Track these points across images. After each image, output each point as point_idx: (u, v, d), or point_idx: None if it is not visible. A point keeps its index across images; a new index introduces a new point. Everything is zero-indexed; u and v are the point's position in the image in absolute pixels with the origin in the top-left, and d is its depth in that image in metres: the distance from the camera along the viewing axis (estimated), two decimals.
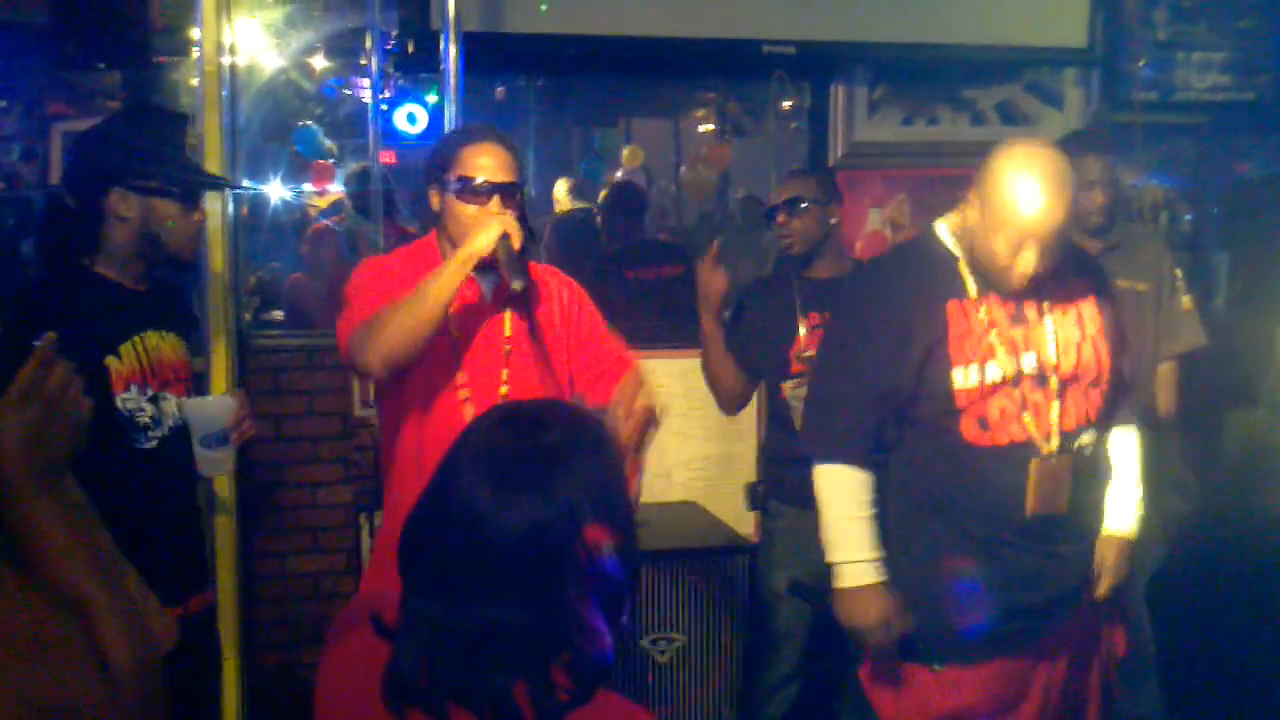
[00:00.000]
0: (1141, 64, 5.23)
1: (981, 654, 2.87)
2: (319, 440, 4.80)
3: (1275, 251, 5.01)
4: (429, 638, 1.51)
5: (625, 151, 8.72)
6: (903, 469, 2.93)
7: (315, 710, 1.67)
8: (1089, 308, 2.91)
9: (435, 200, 2.91)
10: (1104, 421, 2.94)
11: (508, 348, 2.90)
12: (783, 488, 3.98)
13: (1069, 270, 2.87)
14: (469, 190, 2.83)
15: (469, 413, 2.80)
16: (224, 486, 4.23)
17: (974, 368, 2.79)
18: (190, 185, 2.81)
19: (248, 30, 4.97)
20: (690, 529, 4.47)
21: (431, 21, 4.02)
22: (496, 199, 2.82)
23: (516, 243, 2.72)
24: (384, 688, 1.52)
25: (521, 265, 2.77)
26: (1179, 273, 4.09)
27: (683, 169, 9.05)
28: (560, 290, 3.05)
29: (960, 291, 2.84)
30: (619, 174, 7.77)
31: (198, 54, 4.17)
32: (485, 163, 2.84)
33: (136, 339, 2.73)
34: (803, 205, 3.87)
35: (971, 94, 5.09)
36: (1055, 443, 2.81)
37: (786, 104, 5.88)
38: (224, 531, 4.25)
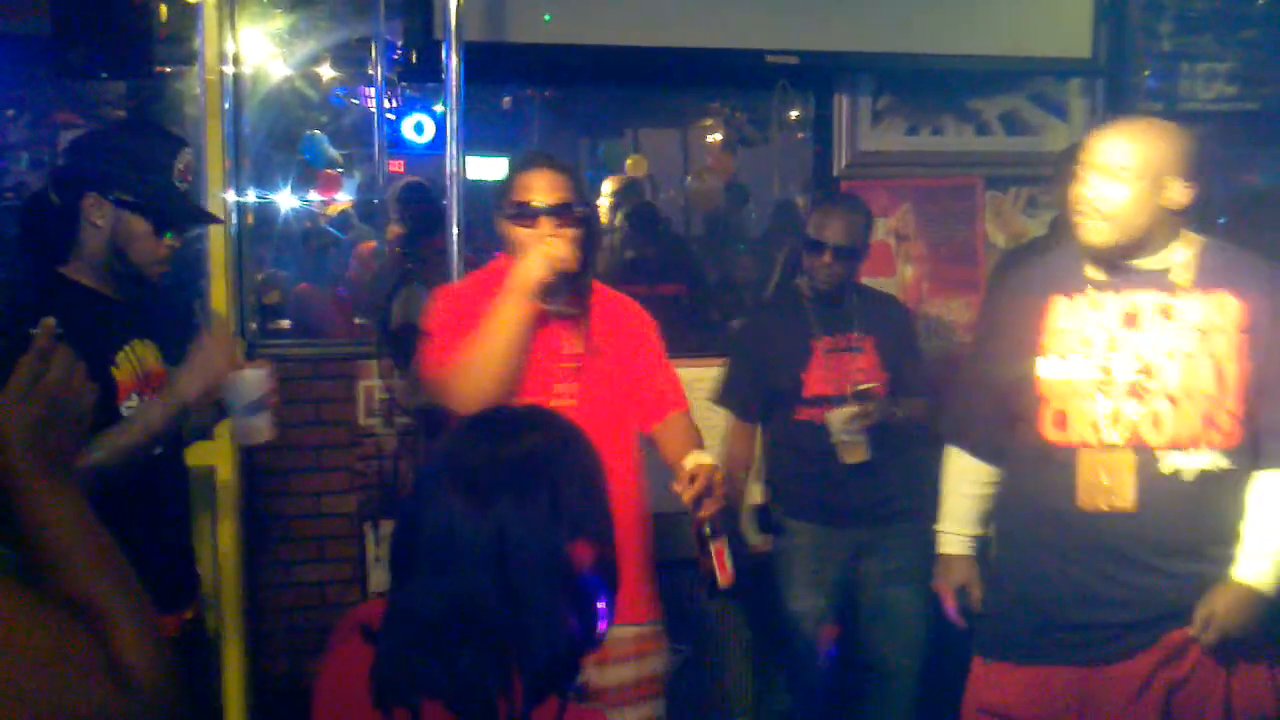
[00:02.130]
0: (1146, 74, 5.23)
1: (1024, 657, 2.93)
2: (324, 449, 4.80)
3: None
4: (406, 634, 1.55)
5: (629, 161, 8.70)
6: (1009, 468, 3.06)
7: (313, 716, 1.68)
8: (1227, 323, 2.76)
9: (499, 228, 3.02)
10: (1233, 453, 2.76)
11: (572, 364, 2.99)
12: (802, 506, 3.98)
13: (1219, 278, 2.79)
14: (521, 214, 2.94)
15: None
16: (228, 495, 4.23)
17: (1058, 360, 2.83)
18: (164, 209, 2.72)
19: (253, 39, 4.99)
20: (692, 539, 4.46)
21: (435, 31, 4.02)
22: (546, 220, 2.91)
23: (567, 261, 2.86)
24: (371, 686, 1.55)
25: (561, 289, 2.89)
26: None
27: (689, 179, 9.05)
28: (628, 316, 3.14)
29: (1073, 285, 2.86)
30: (611, 183, 7.70)
31: (200, 64, 4.19)
32: (535, 185, 2.94)
33: (127, 348, 2.72)
34: (846, 248, 3.88)
35: (976, 104, 5.09)
36: (1130, 452, 2.75)
37: (793, 114, 5.87)
38: (229, 540, 4.25)
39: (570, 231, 2.92)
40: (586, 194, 3.08)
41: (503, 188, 3.03)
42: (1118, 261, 2.82)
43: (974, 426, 3.11)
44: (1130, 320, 2.80)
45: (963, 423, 3.16)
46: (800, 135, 5.77)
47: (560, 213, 2.93)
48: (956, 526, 3.16)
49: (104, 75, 4.18)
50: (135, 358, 2.74)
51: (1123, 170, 2.74)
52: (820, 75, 4.92)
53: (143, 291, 2.80)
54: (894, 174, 5.04)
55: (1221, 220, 5.53)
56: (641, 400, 3.09)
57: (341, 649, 1.69)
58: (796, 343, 3.91)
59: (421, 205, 5.99)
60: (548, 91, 8.42)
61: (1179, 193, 2.76)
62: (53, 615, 1.34)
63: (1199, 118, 5.34)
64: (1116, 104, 5.18)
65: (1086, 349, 2.80)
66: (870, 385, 3.81)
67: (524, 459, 1.58)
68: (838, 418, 3.80)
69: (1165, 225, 2.80)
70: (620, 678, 3.01)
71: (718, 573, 2.84)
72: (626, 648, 3.00)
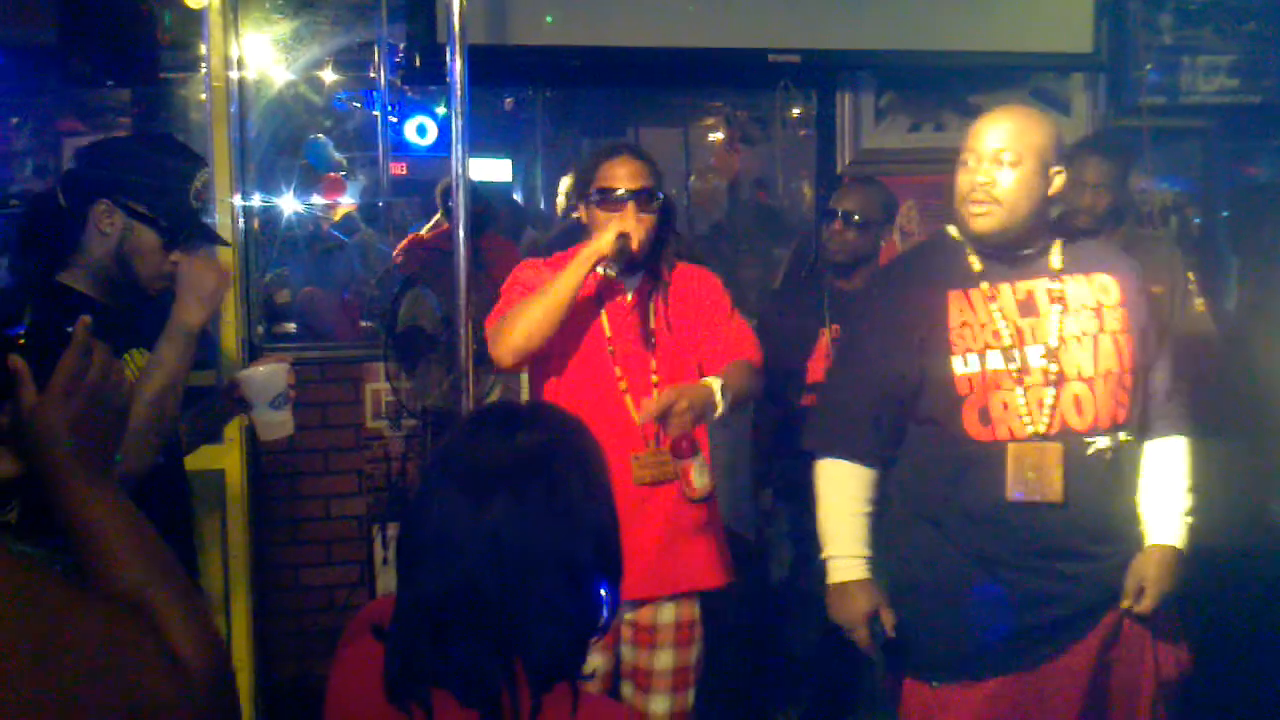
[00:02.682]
0: (1148, 68, 5.23)
1: (976, 673, 2.80)
2: (332, 452, 4.82)
3: None
4: (411, 628, 1.58)
5: None
6: (904, 471, 2.90)
7: (325, 715, 1.70)
8: (1112, 303, 2.84)
9: (584, 214, 3.22)
10: (1132, 426, 2.84)
11: (652, 340, 3.16)
12: (798, 493, 3.97)
13: (1090, 263, 2.87)
14: (608, 200, 3.11)
15: (629, 402, 3.11)
16: (237, 498, 4.25)
17: (974, 356, 2.77)
18: (176, 226, 2.65)
19: (256, 45, 5.00)
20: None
21: (438, 35, 4.03)
22: (632, 205, 3.08)
23: (635, 243, 3.03)
24: (384, 680, 1.58)
25: (632, 259, 3.06)
26: (1192, 276, 4.09)
27: (692, 178, 9.06)
28: (698, 286, 3.28)
29: (965, 280, 2.83)
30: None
31: (205, 70, 4.21)
32: (619, 173, 3.12)
33: (127, 357, 2.67)
34: (858, 220, 3.89)
35: (978, 100, 5.08)
36: (1056, 441, 2.73)
37: (795, 111, 5.88)
38: (238, 543, 4.26)
39: (649, 217, 3.10)
40: (663, 183, 3.22)
41: (585, 174, 3.21)
42: (1004, 252, 2.83)
43: (855, 431, 2.88)
44: (1028, 309, 2.80)
45: (840, 430, 2.91)
46: (803, 133, 5.78)
47: (641, 199, 3.10)
48: (851, 549, 2.85)
49: (110, 83, 4.20)
50: (133, 367, 2.73)
51: (1013, 155, 2.74)
52: (822, 74, 4.93)
53: (138, 301, 2.74)
54: (897, 171, 5.04)
55: (1224, 214, 5.56)
56: (710, 354, 3.21)
57: (352, 647, 1.71)
58: (806, 329, 3.92)
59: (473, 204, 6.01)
60: (549, 92, 8.44)
61: (1059, 181, 2.80)
62: (105, 609, 1.33)
63: (1201, 111, 5.35)
64: (1118, 98, 5.19)
65: (996, 341, 2.77)
66: None
67: (521, 454, 1.60)
68: None
69: (1045, 213, 2.84)
70: (665, 663, 3.15)
71: (686, 487, 3.07)
72: (668, 634, 3.15)
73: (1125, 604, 2.80)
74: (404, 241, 6.44)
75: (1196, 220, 5.68)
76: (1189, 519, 2.88)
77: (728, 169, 8.47)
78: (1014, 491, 2.73)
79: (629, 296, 3.19)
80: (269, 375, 2.88)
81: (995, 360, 2.76)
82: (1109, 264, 2.90)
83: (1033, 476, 2.73)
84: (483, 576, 1.54)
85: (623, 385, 3.12)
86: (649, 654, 3.16)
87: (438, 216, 6.23)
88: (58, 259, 2.63)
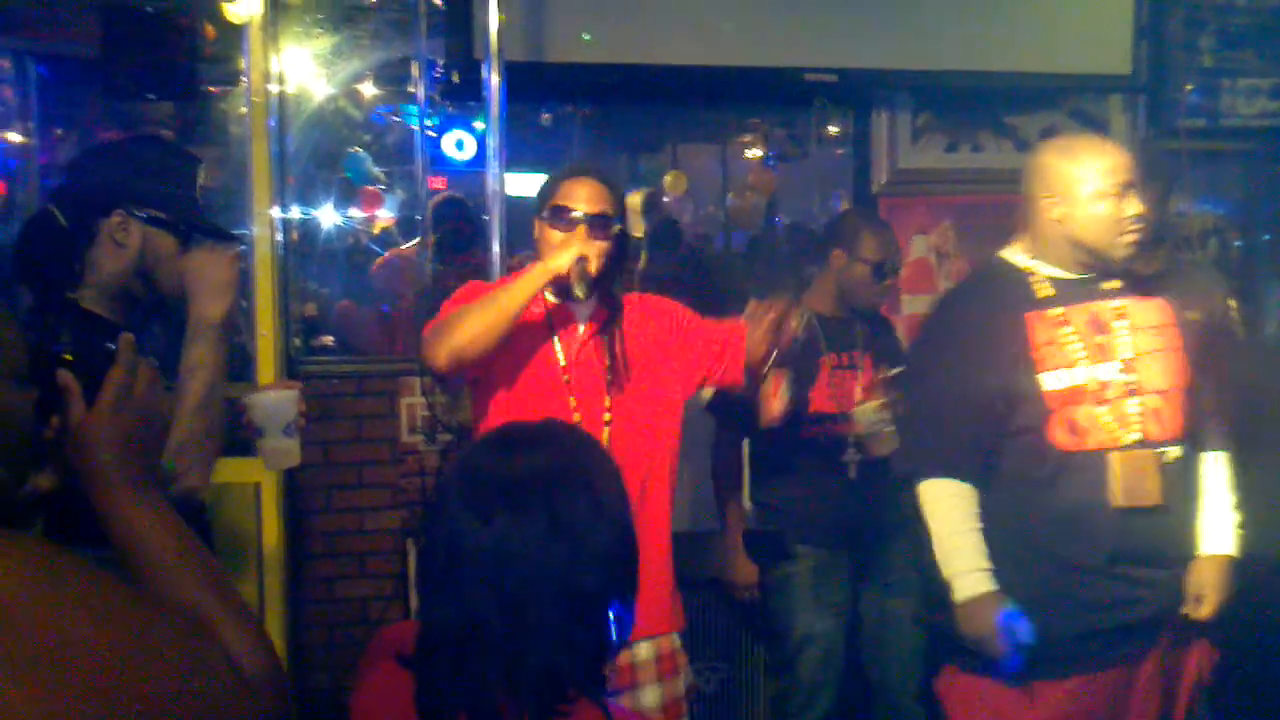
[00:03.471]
0: (1188, 90, 5.20)
1: (1056, 672, 2.90)
2: (367, 466, 4.83)
3: None
4: (428, 651, 1.57)
5: (668, 178, 8.66)
6: (995, 489, 2.98)
7: None
8: (1167, 321, 2.99)
9: (536, 230, 3.04)
10: (1189, 439, 2.98)
11: (609, 376, 3.01)
12: (802, 529, 3.95)
13: (1142, 287, 3.00)
14: (559, 219, 2.97)
15: None
16: (272, 510, 4.27)
17: (1062, 372, 2.89)
18: (199, 228, 2.56)
19: (296, 59, 5.03)
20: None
21: (475, 51, 4.06)
22: (583, 228, 2.95)
23: (593, 267, 2.87)
24: (415, 707, 1.56)
25: (590, 285, 2.89)
26: (1233, 303, 4.05)
27: (730, 195, 9.05)
28: (656, 316, 3.15)
29: (1037, 303, 2.94)
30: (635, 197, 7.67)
31: (245, 84, 4.24)
32: (578, 194, 2.98)
33: None
34: (887, 267, 3.92)
35: (1015, 121, 5.08)
36: (1147, 449, 2.88)
37: (832, 129, 5.88)
38: (272, 555, 4.29)
39: (602, 243, 2.96)
40: (622, 210, 3.10)
41: (545, 191, 3.06)
42: (1074, 276, 2.97)
43: (956, 450, 2.99)
44: (1100, 328, 2.93)
45: (940, 450, 3.02)
46: (839, 151, 5.78)
47: (595, 224, 2.96)
48: (972, 563, 2.94)
49: (151, 97, 4.24)
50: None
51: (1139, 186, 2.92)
52: (859, 93, 4.93)
53: (147, 315, 2.63)
54: (934, 191, 5.03)
55: (1265, 237, 5.51)
56: (716, 350, 3.09)
57: (375, 671, 1.69)
58: (807, 360, 3.89)
59: (457, 220, 6.04)
60: (587, 109, 8.45)
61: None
62: (178, 620, 1.35)
63: (1241, 134, 5.31)
64: (1157, 120, 5.16)
65: (1077, 358, 2.90)
66: (898, 370, 3.78)
67: (527, 474, 1.58)
68: (865, 410, 3.81)
69: None
70: (652, 700, 2.99)
71: (764, 405, 3.04)
72: (649, 670, 2.98)
73: (1186, 609, 2.94)
74: (379, 259, 6.54)
75: (1237, 244, 5.63)
76: (1240, 530, 3.03)
77: (765, 186, 8.47)
78: (1122, 497, 2.85)
79: (581, 327, 3.04)
80: (280, 401, 2.65)
81: (1080, 375, 2.89)
82: (1154, 288, 3.03)
83: (1134, 480, 2.85)
84: (483, 599, 1.52)
85: (577, 417, 2.94)
86: (631, 695, 2.97)
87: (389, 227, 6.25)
88: (66, 280, 2.47)
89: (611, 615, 1.58)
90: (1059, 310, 2.93)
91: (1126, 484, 2.85)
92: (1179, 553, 2.97)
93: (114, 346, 1.54)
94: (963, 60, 4.69)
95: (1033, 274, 2.98)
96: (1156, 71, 5.06)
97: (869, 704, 4.10)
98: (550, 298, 2.99)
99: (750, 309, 2.97)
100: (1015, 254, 3.04)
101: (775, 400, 3.08)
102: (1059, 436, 2.89)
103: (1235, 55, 5.22)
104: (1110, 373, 2.89)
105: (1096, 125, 5.11)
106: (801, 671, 3.97)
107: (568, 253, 2.86)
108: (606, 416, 2.98)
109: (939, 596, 2.99)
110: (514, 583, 1.52)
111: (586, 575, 1.55)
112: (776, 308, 2.95)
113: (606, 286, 3.03)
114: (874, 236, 3.94)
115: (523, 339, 2.95)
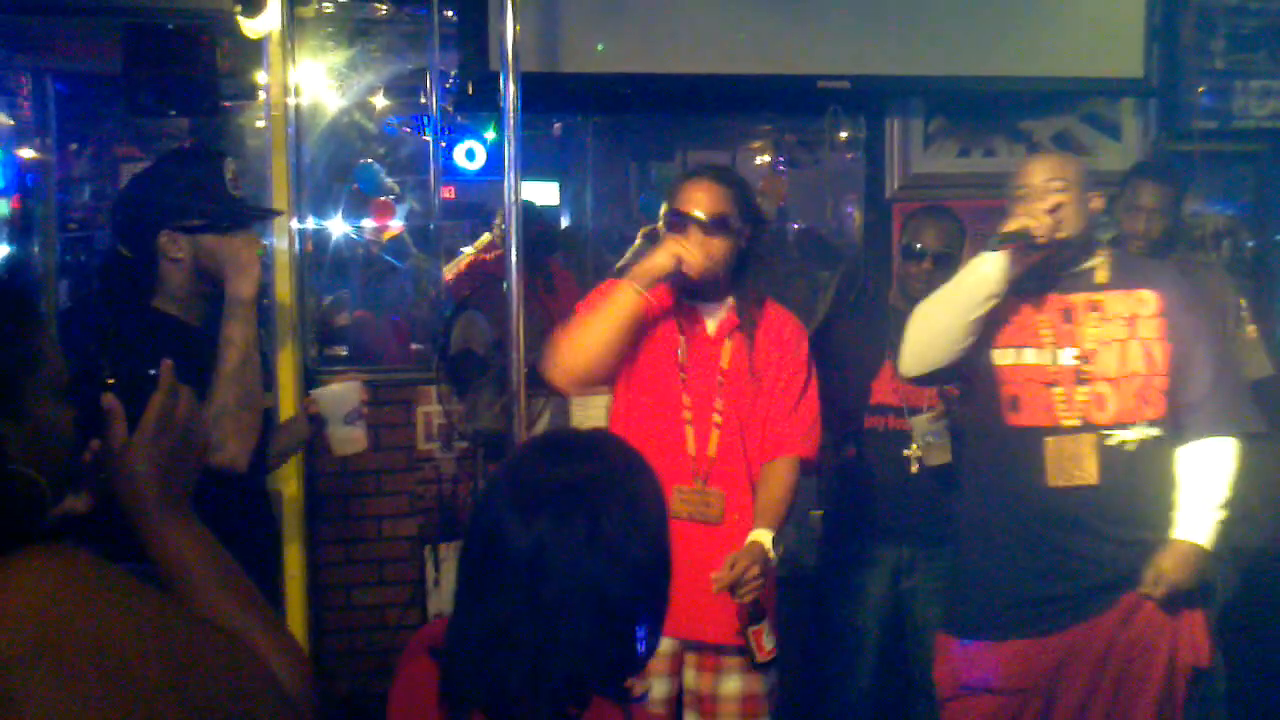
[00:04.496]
0: (1200, 92, 5.20)
1: (999, 634, 3.13)
2: (384, 474, 4.86)
3: None
4: (456, 648, 1.59)
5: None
6: (966, 459, 3.38)
7: None
8: (1148, 313, 3.13)
9: (661, 234, 3.13)
10: (1159, 424, 3.10)
11: (721, 379, 3.07)
12: (863, 520, 3.98)
13: (1137, 279, 3.18)
14: (673, 221, 3.05)
15: (689, 433, 3.04)
16: (295, 516, 4.29)
17: (1011, 350, 3.13)
18: (231, 218, 2.80)
19: (311, 73, 5.06)
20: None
21: (490, 62, 4.07)
22: (694, 228, 3.00)
23: (692, 269, 2.94)
24: (438, 700, 1.58)
25: (691, 286, 3.02)
26: (1244, 302, 4.06)
27: None
28: (785, 333, 3.18)
29: (1016, 287, 3.10)
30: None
31: (264, 98, 4.27)
32: (693, 196, 3.04)
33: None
34: (942, 256, 3.90)
35: (1027, 125, 5.08)
36: (1087, 431, 3.07)
37: (843, 135, 5.89)
38: (294, 562, 4.31)
39: (716, 243, 3.00)
40: (749, 209, 3.13)
41: (669, 193, 3.13)
42: (1054, 265, 3.13)
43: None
44: (1068, 316, 3.13)
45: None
46: (850, 156, 5.79)
47: (709, 225, 3.00)
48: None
49: (172, 113, 4.27)
50: None
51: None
52: (871, 99, 4.94)
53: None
54: (947, 196, 5.03)
55: (1278, 238, 5.52)
56: (763, 435, 3.12)
57: (410, 666, 1.72)
58: (872, 352, 3.91)
59: (533, 225, 6.07)
60: (598, 117, 8.49)
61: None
62: (223, 635, 1.37)
63: (1253, 135, 5.32)
64: (1170, 123, 5.17)
65: (1035, 341, 3.12)
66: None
67: (571, 483, 1.59)
68: (922, 419, 3.83)
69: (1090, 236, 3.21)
70: (731, 689, 3.06)
71: (755, 652, 2.96)
72: (734, 658, 3.03)
73: (1144, 589, 3.06)
74: (457, 261, 6.49)
75: (1249, 245, 5.64)
76: (1221, 518, 3.10)
77: (776, 192, 8.48)
78: (1051, 475, 3.05)
79: (710, 328, 3.10)
80: (343, 393, 3.10)
81: (1029, 356, 3.12)
82: (1152, 279, 3.20)
83: (1070, 464, 3.05)
84: (515, 600, 1.54)
85: (687, 415, 3.03)
86: (713, 679, 3.05)
87: (486, 237, 6.26)
88: (148, 294, 2.79)
89: (639, 632, 1.60)
90: (1034, 296, 3.13)
91: (1058, 464, 3.05)
92: (1132, 532, 3.08)
93: (170, 360, 1.57)
94: (975, 66, 4.70)
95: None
96: (1168, 74, 5.07)
97: (907, 702, 4.11)
98: (684, 300, 3.06)
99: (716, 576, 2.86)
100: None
101: (759, 652, 2.95)
102: (1006, 410, 3.12)
103: (1247, 57, 5.23)
104: (1066, 359, 3.09)
105: (1109, 129, 5.11)
106: (839, 662, 4.00)
107: (663, 254, 2.94)
108: (717, 419, 3.04)
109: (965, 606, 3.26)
110: (547, 588, 1.54)
111: (618, 589, 1.56)
112: (737, 565, 2.84)
113: (738, 285, 3.10)
114: (932, 227, 3.98)
115: (652, 336, 3.03)
